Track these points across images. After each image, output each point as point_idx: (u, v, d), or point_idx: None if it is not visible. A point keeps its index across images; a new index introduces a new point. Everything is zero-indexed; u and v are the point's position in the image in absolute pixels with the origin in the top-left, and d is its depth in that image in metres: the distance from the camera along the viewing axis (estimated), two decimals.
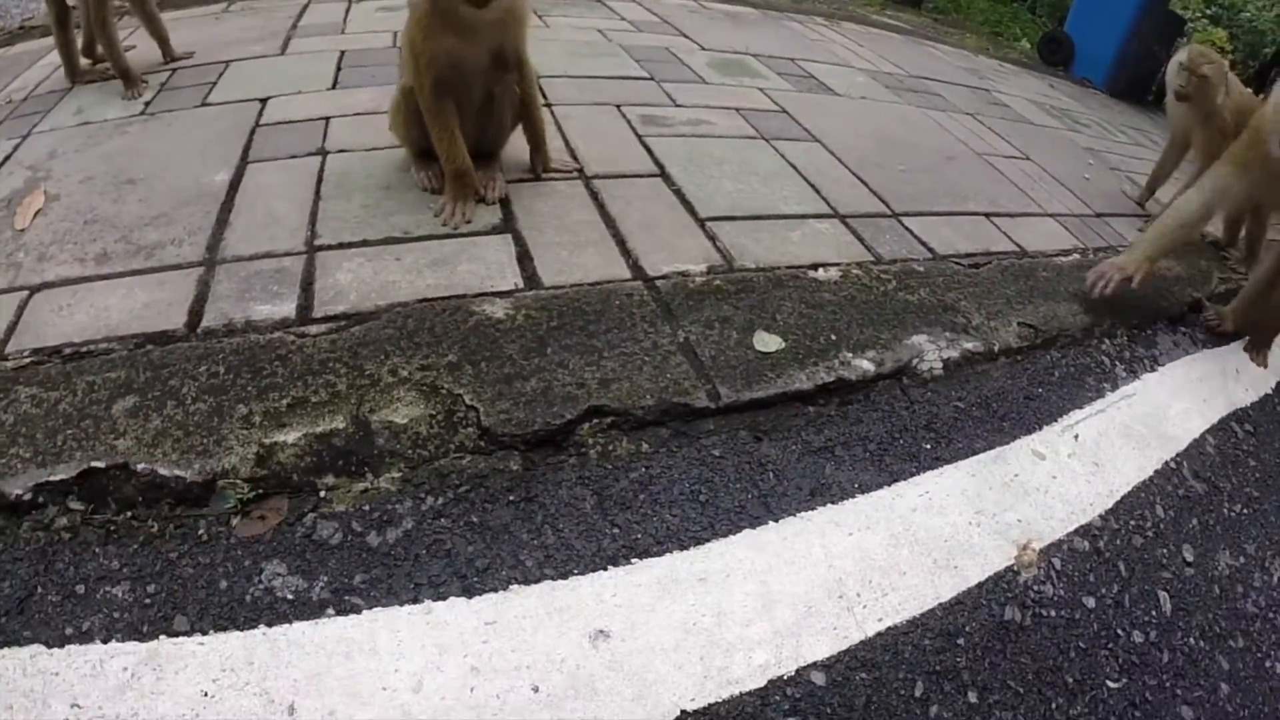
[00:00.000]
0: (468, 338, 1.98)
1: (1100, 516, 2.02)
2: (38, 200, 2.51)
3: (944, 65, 6.03)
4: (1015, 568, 1.81)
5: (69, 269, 2.18)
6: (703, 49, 4.69)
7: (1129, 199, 4.14)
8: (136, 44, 3.81)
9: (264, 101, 3.23)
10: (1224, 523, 2.20)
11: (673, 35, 4.92)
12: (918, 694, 1.52)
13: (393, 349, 1.92)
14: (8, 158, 2.85)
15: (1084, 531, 1.96)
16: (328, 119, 3.08)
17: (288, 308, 2.04)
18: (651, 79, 3.92)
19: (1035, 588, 1.79)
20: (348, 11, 4.67)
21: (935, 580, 1.72)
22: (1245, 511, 2.27)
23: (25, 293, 2.09)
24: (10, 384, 1.78)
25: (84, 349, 1.89)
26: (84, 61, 3.63)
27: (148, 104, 3.24)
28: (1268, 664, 1.88)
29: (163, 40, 3.75)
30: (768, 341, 2.15)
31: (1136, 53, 7.42)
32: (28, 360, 1.86)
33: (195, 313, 2.01)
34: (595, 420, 1.85)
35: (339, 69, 3.65)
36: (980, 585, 1.75)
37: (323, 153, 2.82)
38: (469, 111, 2.49)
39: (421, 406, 1.79)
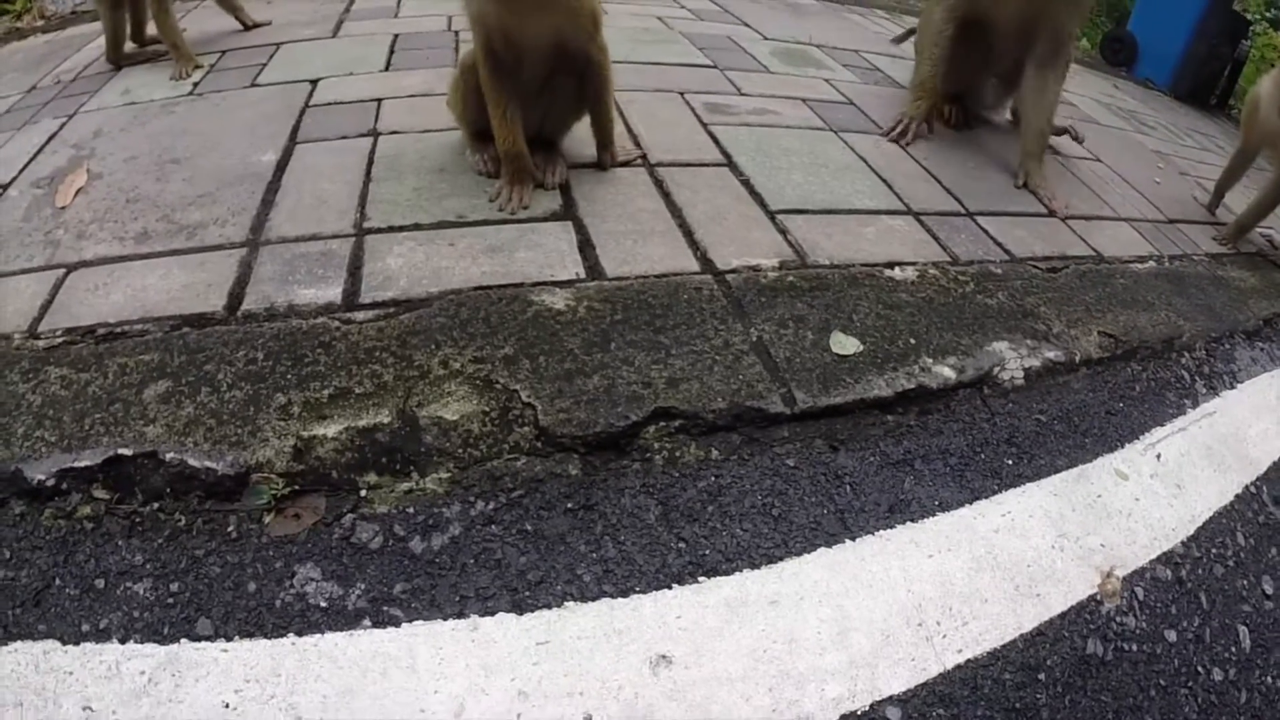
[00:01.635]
0: (525, 329, 1.88)
1: (1183, 543, 1.91)
2: (80, 178, 2.50)
3: None
4: (1098, 597, 1.69)
5: (108, 247, 2.14)
6: (765, 38, 4.60)
7: (1200, 205, 4.00)
8: (188, 26, 3.81)
9: (314, 83, 3.19)
10: None
11: (734, 24, 4.84)
12: None
13: (444, 339, 1.83)
14: (53, 136, 2.85)
15: (1166, 559, 1.85)
16: (380, 100, 3.03)
17: (333, 292, 1.96)
18: (715, 67, 3.83)
19: (1118, 619, 1.67)
20: None
21: (1017, 609, 1.60)
22: None
23: (62, 271, 2.05)
24: (40, 364, 1.73)
25: (118, 330, 1.84)
26: (129, 45, 3.65)
27: (196, 85, 3.24)
28: None
29: (236, 10, 3.94)
30: (845, 344, 2.03)
31: (1202, 54, 7.31)
32: (60, 340, 1.81)
33: (235, 295, 1.95)
34: (662, 423, 1.74)
35: (392, 52, 3.62)
36: (1063, 615, 1.63)
37: (374, 134, 2.76)
38: (527, 94, 2.40)
39: (474, 402, 1.69)
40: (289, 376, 1.70)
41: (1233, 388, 2.56)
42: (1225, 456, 2.23)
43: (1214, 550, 1.93)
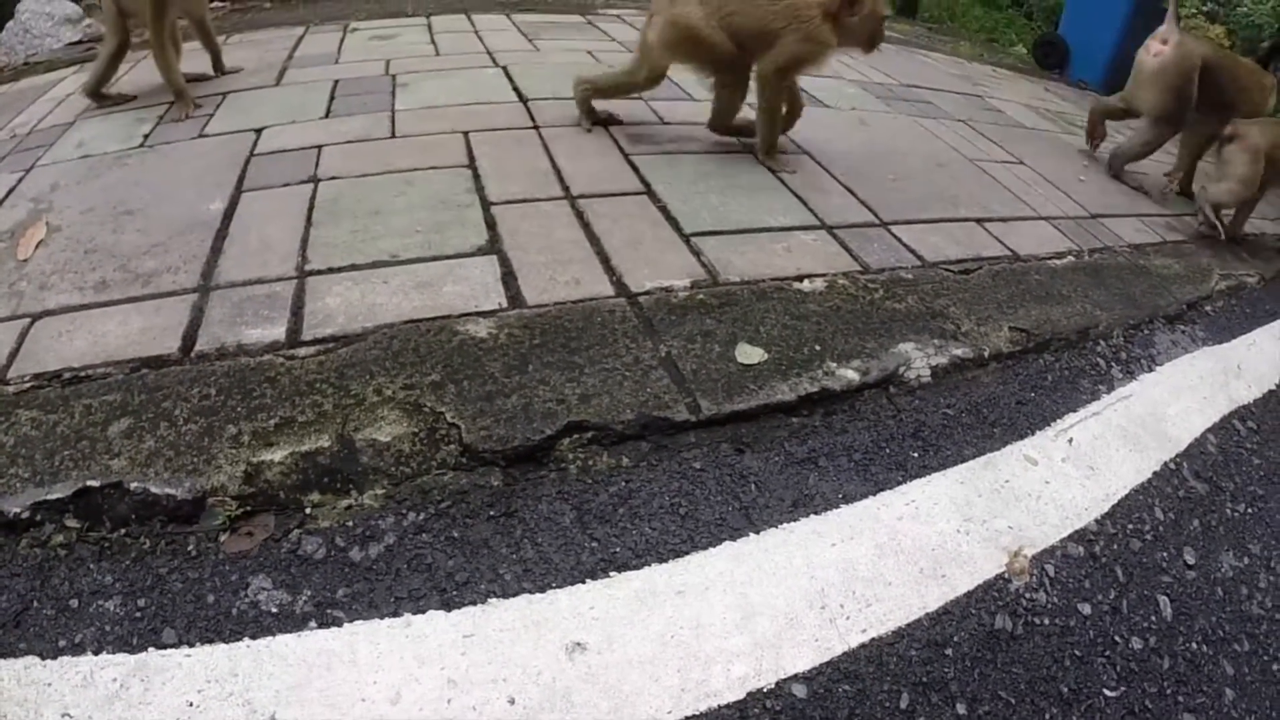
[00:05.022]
0: (451, 357, 2.01)
1: (1096, 521, 2.00)
2: (40, 231, 2.56)
3: (936, 73, 6.01)
4: (1006, 575, 1.79)
5: (69, 297, 2.22)
6: None
7: (1125, 196, 4.16)
8: (137, 77, 3.89)
9: (259, 132, 3.28)
10: (1227, 523, 2.17)
11: None
12: (903, 706, 1.50)
13: (378, 369, 1.96)
14: (11, 190, 2.91)
15: (1078, 537, 1.94)
16: (320, 147, 3.12)
17: (278, 331, 2.08)
18: (639, 98, 3.87)
19: (1027, 595, 1.76)
20: (342, 41, 4.77)
21: (922, 590, 1.71)
22: (1249, 511, 2.24)
23: (27, 320, 2.13)
24: (11, 408, 1.83)
25: (82, 373, 1.93)
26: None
27: (146, 136, 3.30)
28: (1275, 667, 1.84)
29: (215, 56, 4.12)
30: (750, 354, 2.16)
31: (1133, 52, 7.33)
32: (28, 385, 1.90)
33: (189, 337, 2.05)
34: (575, 435, 1.87)
35: (332, 98, 3.70)
36: (969, 594, 1.73)
37: (314, 180, 2.86)
38: None
39: (405, 425, 1.82)
40: (239, 409, 1.82)
41: (1151, 370, 2.66)
42: (1142, 436, 2.32)
43: (1130, 526, 2.02)
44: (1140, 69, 4.21)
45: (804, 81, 4.57)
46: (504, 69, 4.17)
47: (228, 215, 2.62)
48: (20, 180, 3.00)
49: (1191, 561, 2.01)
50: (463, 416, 1.85)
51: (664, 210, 2.84)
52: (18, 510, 1.60)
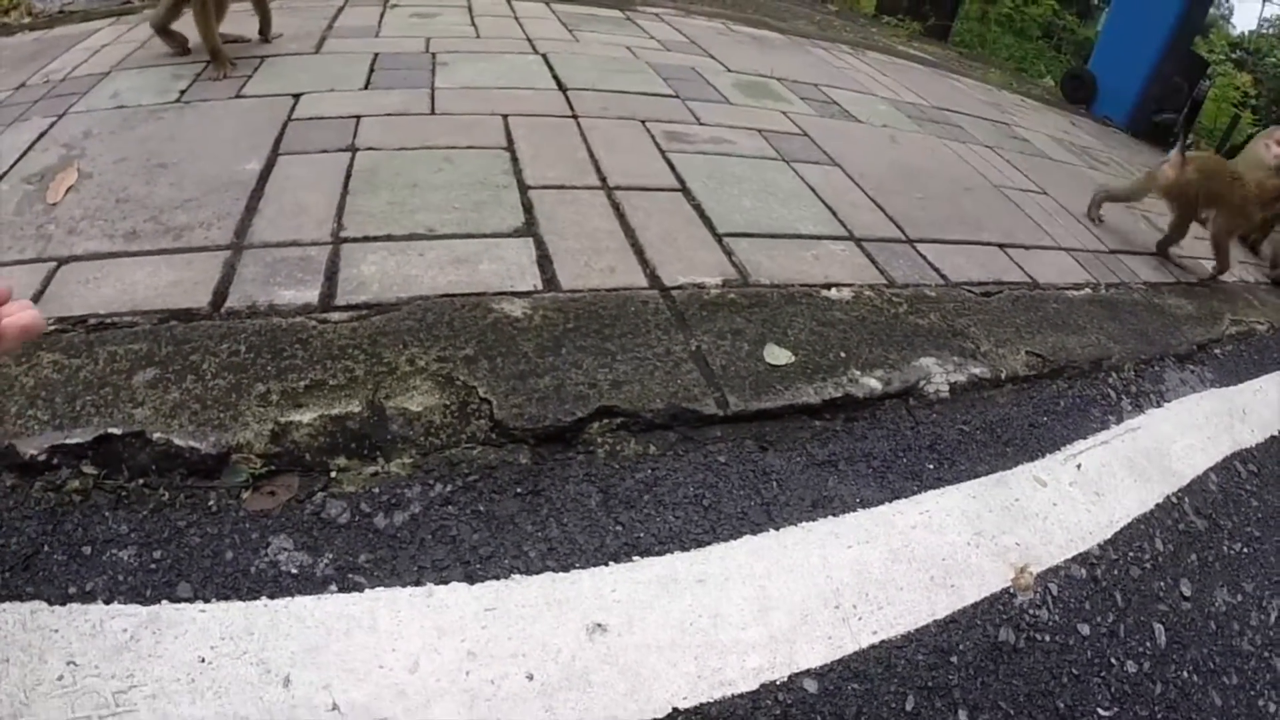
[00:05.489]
0: (485, 333, 2.02)
1: (1099, 545, 2.03)
2: (71, 177, 2.55)
3: (966, 98, 6.08)
4: (1011, 590, 1.81)
5: (98, 244, 2.22)
6: (728, 70, 4.75)
7: (1142, 235, 4.21)
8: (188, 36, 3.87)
9: (297, 97, 3.29)
10: (1223, 560, 2.20)
11: (699, 56, 4.98)
12: (908, 708, 1.52)
13: (411, 339, 1.96)
14: (43, 134, 2.89)
15: (1082, 559, 1.97)
16: (358, 117, 3.13)
17: (311, 294, 2.08)
18: (677, 97, 3.96)
19: (1030, 611, 1.79)
20: (382, 16, 4.77)
21: (931, 597, 1.73)
22: (1245, 550, 2.27)
23: (54, 264, 2.12)
24: (32, 349, 1.81)
25: (108, 320, 1.92)
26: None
27: (183, 92, 3.29)
28: (1260, 703, 1.86)
29: (265, 20, 4.11)
30: (778, 355, 2.18)
31: (1159, 93, 7.43)
32: (52, 328, 1.89)
33: (220, 293, 2.05)
34: (605, 420, 1.88)
35: (371, 71, 3.71)
36: (976, 605, 1.75)
37: (352, 149, 2.87)
38: None
39: (436, 396, 1.83)
40: (269, 368, 1.82)
41: (1159, 406, 2.70)
42: (1147, 469, 2.35)
43: (1131, 553, 2.05)
44: (1257, 157, 5.04)
45: (837, 95, 4.65)
46: (543, 56, 4.20)
47: (263, 176, 2.63)
48: (52, 125, 2.98)
49: (1187, 593, 2.04)
50: (495, 393, 1.86)
51: (698, 208, 2.86)
52: (34, 452, 1.57)
